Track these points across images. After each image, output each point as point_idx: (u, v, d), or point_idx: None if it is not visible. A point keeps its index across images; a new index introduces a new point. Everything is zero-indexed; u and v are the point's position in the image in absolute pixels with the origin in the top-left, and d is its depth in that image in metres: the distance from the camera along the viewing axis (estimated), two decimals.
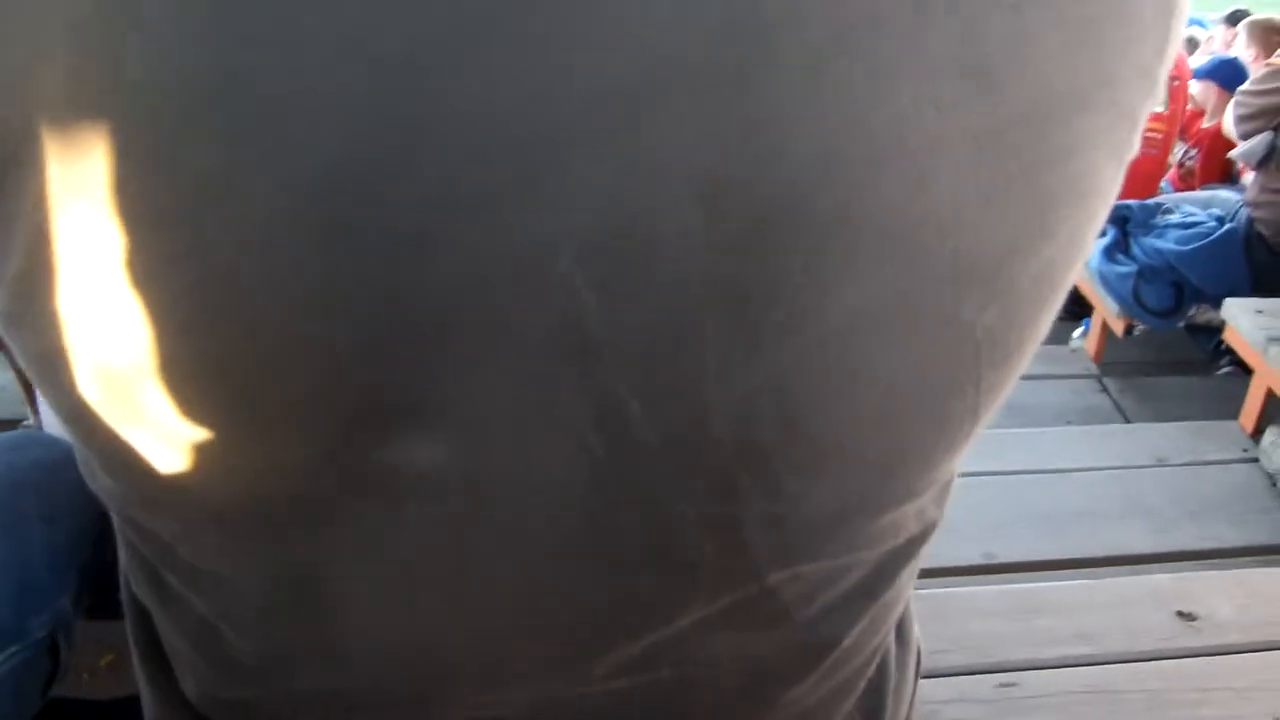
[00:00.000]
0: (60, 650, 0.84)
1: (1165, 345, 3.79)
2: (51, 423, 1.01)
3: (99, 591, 0.97)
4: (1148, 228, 3.53)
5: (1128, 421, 3.26)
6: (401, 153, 0.35)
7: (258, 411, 0.42)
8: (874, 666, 0.70)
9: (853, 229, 0.39)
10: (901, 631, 0.75)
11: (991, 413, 0.51)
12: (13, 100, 0.37)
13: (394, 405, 0.42)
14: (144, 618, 0.66)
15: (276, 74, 0.35)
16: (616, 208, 0.37)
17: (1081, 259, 0.48)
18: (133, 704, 0.81)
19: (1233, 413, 2.88)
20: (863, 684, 0.69)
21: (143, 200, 0.37)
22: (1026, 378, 0.52)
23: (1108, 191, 0.46)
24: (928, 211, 0.40)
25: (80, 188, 0.37)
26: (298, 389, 0.41)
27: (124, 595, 0.68)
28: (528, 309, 0.39)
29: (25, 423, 1.80)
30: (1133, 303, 3.43)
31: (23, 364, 0.46)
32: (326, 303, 0.38)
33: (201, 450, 0.44)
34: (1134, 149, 0.46)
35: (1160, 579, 1.58)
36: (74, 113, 0.36)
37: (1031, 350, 0.50)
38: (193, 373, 0.41)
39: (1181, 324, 3.55)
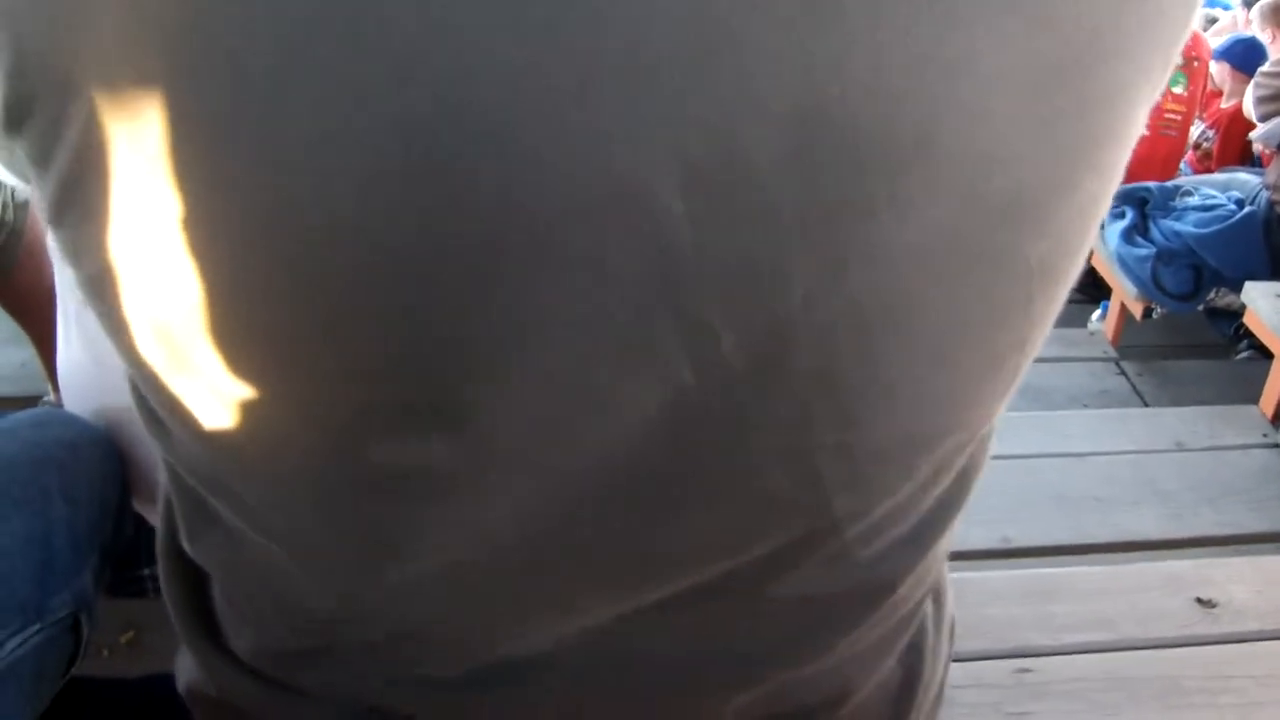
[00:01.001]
0: (82, 629, 0.84)
1: (1184, 329, 3.77)
2: (72, 400, 1.01)
3: (119, 569, 0.98)
4: (1166, 210, 3.51)
5: (1146, 405, 3.24)
6: (508, 84, 0.37)
7: (321, 356, 0.44)
8: (916, 622, 0.72)
9: (930, 156, 0.41)
10: (937, 594, 0.77)
11: (1035, 350, 0.54)
12: (68, 35, 0.39)
13: (480, 345, 0.43)
14: (187, 578, 0.67)
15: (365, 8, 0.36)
16: (714, 137, 0.38)
17: (1113, 192, 0.51)
18: (152, 682, 0.81)
19: (1253, 397, 2.85)
20: (905, 640, 0.71)
21: (198, 122, 0.38)
22: (1044, 360, 0.54)
23: (1138, 131, 0.49)
24: (992, 143, 0.42)
25: (128, 117, 0.38)
26: (372, 326, 0.42)
27: (162, 552, 0.69)
28: (625, 239, 0.40)
29: (45, 399, 1.81)
30: (1151, 285, 3.41)
31: (78, 286, 0.47)
32: (408, 231, 0.39)
33: (251, 403, 0.45)
34: (1159, 90, 0.49)
35: (1178, 565, 1.58)
36: (122, 47, 0.38)
37: (1073, 280, 0.53)
38: (244, 315, 0.43)
39: (1200, 307, 3.53)
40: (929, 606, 0.74)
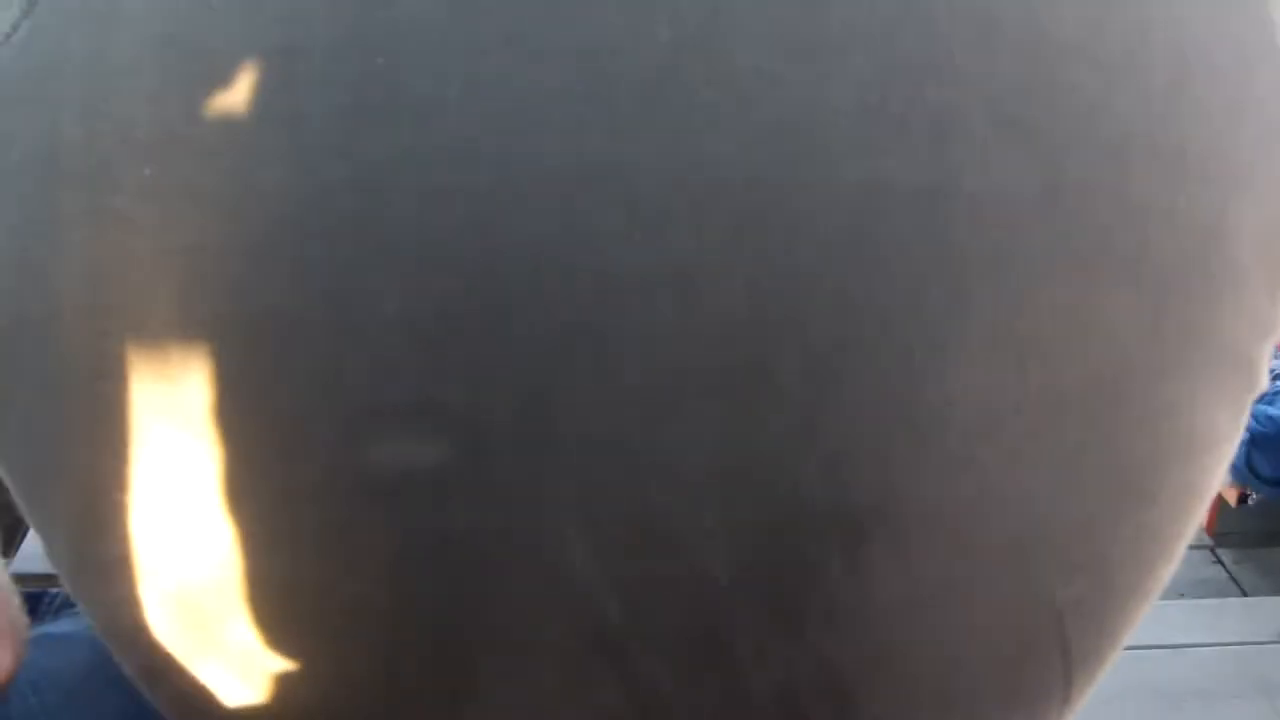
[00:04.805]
0: None
1: None
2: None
3: None
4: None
5: (1245, 595, 3.13)
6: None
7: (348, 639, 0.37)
8: None
9: (895, 519, 0.35)
10: None
11: (1097, 674, 0.44)
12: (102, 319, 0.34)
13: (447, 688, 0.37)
14: None
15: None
16: (633, 509, 0.34)
17: (1198, 511, 0.40)
18: None
19: None
20: None
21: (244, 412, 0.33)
22: None
23: (1224, 438, 0.39)
24: (980, 492, 0.35)
25: (167, 400, 0.33)
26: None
27: None
28: (547, 605, 0.35)
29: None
30: (1245, 471, 3.32)
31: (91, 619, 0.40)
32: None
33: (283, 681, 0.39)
34: (1258, 387, 0.40)
35: None
36: (160, 326, 0.33)
37: (1145, 607, 0.42)
38: (288, 590, 0.36)
39: None
40: None
